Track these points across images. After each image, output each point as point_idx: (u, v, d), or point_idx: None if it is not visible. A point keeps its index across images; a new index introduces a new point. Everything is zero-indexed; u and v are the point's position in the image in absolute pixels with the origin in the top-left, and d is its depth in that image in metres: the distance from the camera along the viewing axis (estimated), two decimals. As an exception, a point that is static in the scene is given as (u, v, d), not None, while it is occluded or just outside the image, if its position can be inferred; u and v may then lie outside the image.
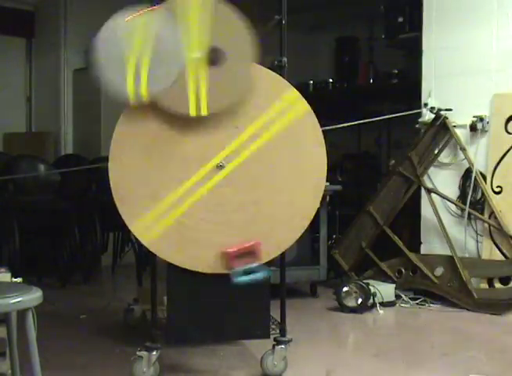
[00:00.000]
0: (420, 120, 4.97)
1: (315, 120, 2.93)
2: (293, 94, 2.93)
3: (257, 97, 2.86)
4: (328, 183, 3.97)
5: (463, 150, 4.71)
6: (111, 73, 2.65)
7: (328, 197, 4.83)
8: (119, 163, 2.76)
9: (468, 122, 4.71)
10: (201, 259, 2.83)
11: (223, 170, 2.83)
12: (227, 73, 2.78)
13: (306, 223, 2.93)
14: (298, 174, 2.91)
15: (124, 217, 2.76)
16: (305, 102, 2.93)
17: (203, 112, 2.75)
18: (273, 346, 3.01)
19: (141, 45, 2.68)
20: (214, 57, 2.75)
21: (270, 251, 2.89)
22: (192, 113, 2.74)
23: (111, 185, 2.75)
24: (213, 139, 2.84)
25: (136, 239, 2.97)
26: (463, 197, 4.72)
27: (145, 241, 2.80)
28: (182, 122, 2.78)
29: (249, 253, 2.82)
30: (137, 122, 2.77)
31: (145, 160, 2.78)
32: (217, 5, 2.77)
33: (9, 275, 2.74)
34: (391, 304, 4.53)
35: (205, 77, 2.73)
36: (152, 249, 2.81)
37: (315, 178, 2.94)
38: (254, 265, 2.81)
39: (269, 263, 2.94)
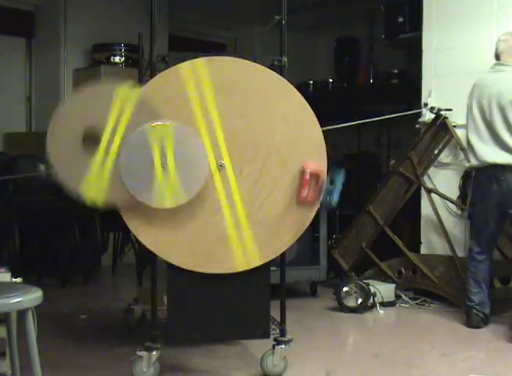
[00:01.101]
0: (420, 120, 4.97)
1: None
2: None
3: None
4: (328, 183, 3.96)
5: (463, 149, 4.70)
6: (135, 179, 2.68)
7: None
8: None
9: (468, 122, 4.71)
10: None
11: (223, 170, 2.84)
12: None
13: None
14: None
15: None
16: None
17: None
18: (273, 346, 3.01)
19: (164, 151, 2.70)
20: None
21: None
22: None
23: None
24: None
25: (136, 239, 2.97)
26: (463, 196, 4.72)
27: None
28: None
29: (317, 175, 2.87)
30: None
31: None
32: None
33: (8, 275, 2.74)
34: (391, 304, 4.53)
35: None
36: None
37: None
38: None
39: (269, 263, 2.95)
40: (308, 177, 2.86)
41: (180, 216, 2.79)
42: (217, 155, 2.83)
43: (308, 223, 2.95)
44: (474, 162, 4.06)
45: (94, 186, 2.67)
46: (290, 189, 2.89)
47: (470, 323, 4.00)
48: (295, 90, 2.95)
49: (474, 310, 3.99)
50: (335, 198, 2.85)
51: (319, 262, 4.89)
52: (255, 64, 2.91)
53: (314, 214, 2.96)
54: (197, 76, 2.80)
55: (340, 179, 2.84)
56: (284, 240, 2.93)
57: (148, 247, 2.81)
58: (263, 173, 2.87)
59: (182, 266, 2.84)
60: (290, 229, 2.92)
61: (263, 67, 2.92)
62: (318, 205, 2.94)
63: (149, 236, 2.80)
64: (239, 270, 2.88)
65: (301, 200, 2.88)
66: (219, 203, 2.84)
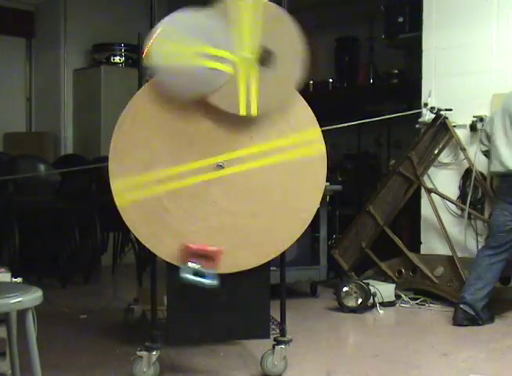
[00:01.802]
0: (420, 120, 4.97)
1: (325, 164, 2.94)
2: (315, 133, 2.93)
3: (283, 121, 2.88)
4: (328, 183, 3.96)
5: (463, 149, 4.71)
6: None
7: (328, 197, 4.83)
8: (126, 127, 2.77)
9: (468, 122, 4.71)
10: (162, 244, 2.81)
11: (221, 170, 2.83)
12: (277, 74, 2.79)
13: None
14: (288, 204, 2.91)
15: (110, 171, 2.74)
16: (323, 145, 2.93)
17: (254, 113, 2.77)
18: (273, 346, 3.01)
19: (198, 43, 2.71)
20: (265, 58, 2.77)
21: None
22: (243, 113, 2.76)
23: (111, 143, 2.75)
24: (224, 138, 2.84)
25: (136, 239, 2.96)
26: (463, 196, 4.72)
27: (118, 202, 2.75)
28: (203, 111, 2.79)
29: (208, 257, 2.78)
30: (156, 99, 2.78)
31: (151, 130, 2.78)
32: (267, 7, 2.78)
33: (8, 275, 2.74)
34: (391, 304, 4.53)
35: (255, 77, 2.75)
36: (121, 212, 2.76)
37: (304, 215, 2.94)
38: (207, 270, 2.76)
39: (268, 263, 2.95)
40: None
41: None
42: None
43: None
44: (498, 168, 4.05)
45: None
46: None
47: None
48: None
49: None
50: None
51: (319, 262, 4.89)
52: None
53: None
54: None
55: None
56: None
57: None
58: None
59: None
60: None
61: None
62: None
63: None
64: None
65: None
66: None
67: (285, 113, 2.88)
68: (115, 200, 2.76)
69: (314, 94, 6.65)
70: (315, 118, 2.94)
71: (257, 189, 2.88)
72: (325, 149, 2.92)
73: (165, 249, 2.81)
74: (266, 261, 2.91)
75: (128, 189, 2.76)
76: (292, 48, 2.84)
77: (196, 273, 2.75)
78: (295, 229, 2.92)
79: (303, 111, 2.94)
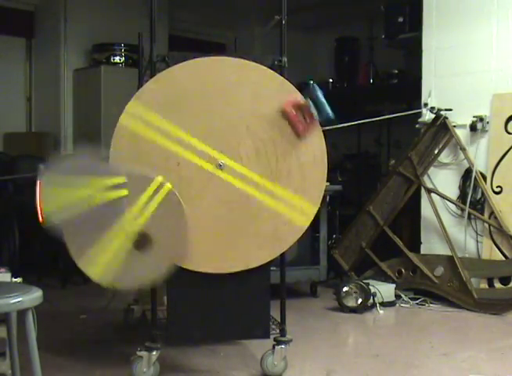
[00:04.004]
0: (420, 120, 4.97)
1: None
2: (311, 211, 2.94)
3: (298, 179, 2.90)
4: (328, 183, 3.96)
5: (463, 150, 4.71)
6: None
7: (328, 197, 4.83)
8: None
9: (468, 122, 4.72)
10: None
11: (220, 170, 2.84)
12: (149, 258, 2.72)
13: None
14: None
15: None
16: (308, 222, 2.93)
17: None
18: (273, 346, 3.01)
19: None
20: (141, 242, 2.70)
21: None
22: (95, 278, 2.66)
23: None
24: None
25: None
26: (463, 196, 4.72)
27: None
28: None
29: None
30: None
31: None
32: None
33: (8, 275, 2.74)
34: (391, 304, 4.53)
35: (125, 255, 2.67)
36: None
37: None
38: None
39: (269, 263, 2.95)
40: (293, 112, 2.86)
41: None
42: (209, 159, 2.83)
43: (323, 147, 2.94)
44: None
45: (102, 265, 2.63)
46: (287, 134, 2.90)
47: None
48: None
49: None
50: (327, 111, 2.84)
51: (319, 262, 4.88)
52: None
53: (323, 141, 2.94)
54: (138, 117, 2.78)
55: (318, 93, 2.84)
56: (314, 174, 2.94)
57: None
58: (256, 141, 2.87)
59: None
60: (312, 159, 2.93)
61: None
62: (318, 125, 2.92)
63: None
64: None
65: (303, 134, 2.88)
66: (247, 193, 2.85)
67: (305, 176, 2.90)
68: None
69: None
70: (320, 199, 2.96)
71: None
72: (307, 226, 2.93)
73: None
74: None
75: None
76: (174, 230, 2.79)
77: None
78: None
79: (318, 186, 2.96)
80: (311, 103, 2.84)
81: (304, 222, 2.92)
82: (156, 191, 2.70)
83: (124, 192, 2.64)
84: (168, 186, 2.73)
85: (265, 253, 2.91)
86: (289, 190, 2.89)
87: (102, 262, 2.62)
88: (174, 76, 2.85)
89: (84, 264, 2.62)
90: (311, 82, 2.87)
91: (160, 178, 2.72)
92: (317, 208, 2.95)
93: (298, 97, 2.89)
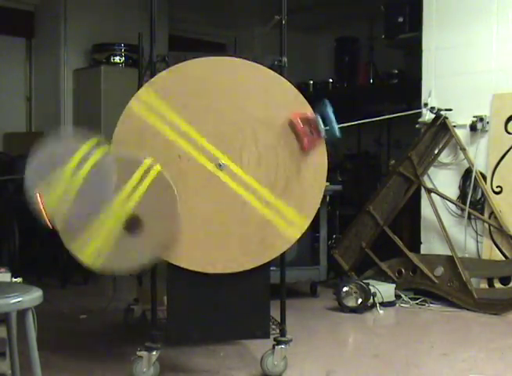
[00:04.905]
0: (420, 120, 4.97)
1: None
2: (302, 224, 2.93)
3: (296, 191, 2.91)
4: (328, 183, 3.96)
5: (463, 149, 4.71)
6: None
7: (328, 197, 4.83)
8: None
9: (468, 122, 4.72)
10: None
11: (223, 170, 2.84)
12: (141, 240, 2.71)
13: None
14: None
15: None
16: (298, 235, 2.93)
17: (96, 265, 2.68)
18: (273, 346, 3.01)
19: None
20: (132, 225, 2.69)
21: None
22: (86, 261, 2.65)
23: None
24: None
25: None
26: (463, 196, 4.72)
27: None
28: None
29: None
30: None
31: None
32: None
33: (8, 275, 2.75)
34: (391, 304, 4.53)
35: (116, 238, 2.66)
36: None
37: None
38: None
39: (269, 263, 2.95)
40: (300, 125, 2.87)
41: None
42: (211, 158, 2.83)
43: (325, 165, 2.96)
44: None
45: (94, 249, 2.63)
46: (292, 146, 2.90)
47: None
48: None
49: None
50: (335, 128, 2.84)
51: (319, 262, 4.88)
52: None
53: (325, 158, 2.95)
54: (147, 103, 2.78)
55: (328, 110, 2.85)
56: (313, 189, 2.94)
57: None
58: (259, 147, 2.87)
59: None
60: (313, 175, 2.93)
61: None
62: (323, 142, 2.93)
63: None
64: (294, 239, 2.92)
65: (307, 148, 2.89)
66: (241, 197, 2.85)
67: (303, 190, 2.91)
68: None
69: (314, 94, 6.67)
70: (314, 213, 2.95)
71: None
72: (297, 237, 2.93)
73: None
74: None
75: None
76: (165, 213, 2.77)
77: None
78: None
79: (313, 201, 2.95)
80: (320, 118, 2.85)
81: (295, 234, 2.92)
82: (146, 173, 2.69)
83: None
84: (158, 167, 2.71)
85: (251, 259, 2.89)
86: (283, 201, 2.88)
87: (94, 245, 2.62)
88: (188, 70, 2.85)
89: (76, 248, 2.62)
90: (324, 99, 2.87)
91: (148, 161, 2.70)
92: (310, 221, 2.94)
93: (309, 111, 2.90)
